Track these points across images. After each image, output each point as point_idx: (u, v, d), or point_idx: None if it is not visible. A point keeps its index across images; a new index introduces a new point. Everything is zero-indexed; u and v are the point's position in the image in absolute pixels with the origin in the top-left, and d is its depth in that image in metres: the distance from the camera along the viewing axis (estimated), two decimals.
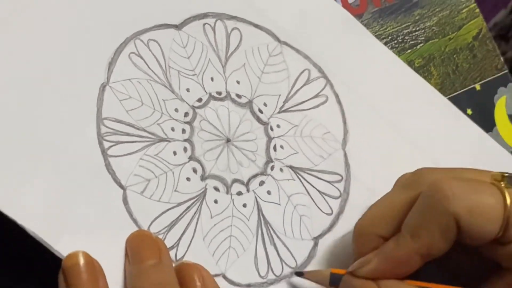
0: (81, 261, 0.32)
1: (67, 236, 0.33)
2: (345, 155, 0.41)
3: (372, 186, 0.41)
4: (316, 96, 0.42)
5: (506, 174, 0.32)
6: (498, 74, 0.51)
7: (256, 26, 0.41)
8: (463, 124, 0.46)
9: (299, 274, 0.37)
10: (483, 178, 0.33)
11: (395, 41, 0.46)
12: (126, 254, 0.34)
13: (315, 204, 0.39)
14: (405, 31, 0.48)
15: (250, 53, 0.41)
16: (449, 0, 0.50)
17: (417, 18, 0.48)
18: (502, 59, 0.51)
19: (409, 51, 0.47)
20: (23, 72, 0.34)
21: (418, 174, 0.35)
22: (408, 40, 0.48)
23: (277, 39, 0.42)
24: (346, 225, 0.40)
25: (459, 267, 0.35)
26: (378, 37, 0.46)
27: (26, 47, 0.34)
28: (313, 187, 0.40)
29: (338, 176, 0.41)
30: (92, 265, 0.32)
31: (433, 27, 0.49)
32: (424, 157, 0.44)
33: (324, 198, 0.40)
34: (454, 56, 0.49)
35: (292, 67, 0.41)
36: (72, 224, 0.33)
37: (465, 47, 0.50)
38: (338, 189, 0.40)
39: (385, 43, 0.46)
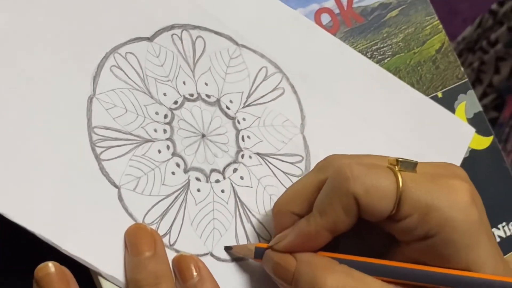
0: (52, 270, 0.33)
1: (72, 235, 0.35)
2: (304, 138, 0.44)
3: None
4: (274, 89, 0.45)
5: (401, 159, 0.35)
6: (459, 83, 0.53)
7: (217, 33, 0.44)
8: (409, 95, 0.49)
9: (228, 248, 0.39)
10: (381, 163, 0.35)
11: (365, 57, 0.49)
12: (126, 246, 0.36)
13: (281, 183, 0.43)
14: (374, 48, 0.50)
15: (214, 57, 0.43)
16: (414, 19, 0.52)
17: (385, 35, 0.51)
18: (462, 69, 0.53)
19: (377, 65, 0.49)
20: (19, 93, 0.36)
21: (328, 159, 0.37)
22: (377, 55, 0.50)
23: (235, 43, 0.44)
24: None
25: (369, 241, 0.38)
26: None
27: (18, 71, 0.36)
28: (278, 169, 0.43)
29: (299, 157, 0.44)
30: (63, 272, 0.34)
31: (399, 43, 0.51)
32: (375, 131, 0.47)
33: (288, 177, 0.43)
34: (419, 68, 0.52)
35: (251, 66, 0.44)
36: (76, 224, 0.35)
37: (429, 59, 0.52)
38: (300, 168, 0.44)
39: None
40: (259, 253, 0.37)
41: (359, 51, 0.49)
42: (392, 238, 0.35)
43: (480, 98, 0.85)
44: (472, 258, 0.33)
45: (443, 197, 0.33)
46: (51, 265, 0.34)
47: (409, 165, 0.35)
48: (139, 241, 0.36)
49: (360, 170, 0.34)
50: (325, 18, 0.49)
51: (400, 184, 0.33)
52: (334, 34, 0.49)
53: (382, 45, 0.50)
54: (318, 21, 0.48)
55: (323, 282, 0.33)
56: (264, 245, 0.38)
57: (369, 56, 0.50)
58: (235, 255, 0.39)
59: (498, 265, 0.34)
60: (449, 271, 0.33)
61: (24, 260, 0.36)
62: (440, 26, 0.52)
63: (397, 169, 0.34)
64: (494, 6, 0.88)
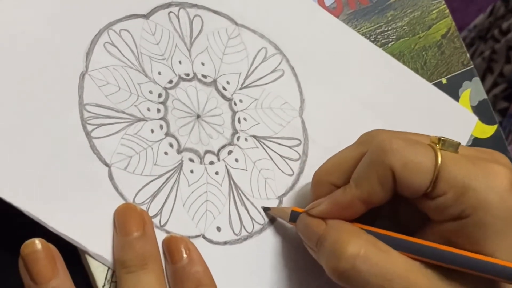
0: (38, 247, 0.32)
1: (60, 213, 0.33)
2: (303, 121, 0.43)
3: (327, 146, 0.42)
4: (274, 71, 0.43)
5: (443, 138, 0.34)
6: (464, 69, 0.51)
7: (215, 12, 0.42)
8: (411, 81, 0.47)
9: (266, 209, 0.39)
10: (422, 140, 0.34)
11: (368, 40, 0.47)
12: (114, 226, 0.34)
13: (278, 167, 0.41)
14: (378, 31, 0.47)
15: (212, 37, 0.41)
16: (420, 2, 0.50)
17: (389, 18, 0.48)
18: (468, 55, 0.51)
19: (381, 48, 0.47)
20: (9, 64, 0.34)
21: (370, 134, 0.36)
22: (380, 39, 0.48)
23: (234, 22, 0.42)
24: (306, 183, 0.41)
25: (402, 220, 0.37)
26: None
27: (10, 46, 0.35)
28: (275, 152, 0.41)
29: (297, 140, 0.42)
30: (49, 250, 0.32)
31: (404, 27, 0.49)
32: (374, 115, 0.45)
33: (285, 161, 0.41)
34: (423, 53, 0.49)
35: (250, 47, 0.42)
36: (64, 201, 0.34)
37: (434, 44, 0.50)
38: (298, 152, 0.42)
39: None
40: (294, 217, 0.37)
41: (362, 34, 0.47)
42: (424, 218, 0.35)
43: (491, 87, 0.83)
44: (500, 244, 0.32)
45: (481, 179, 0.32)
46: (37, 242, 0.32)
47: (451, 145, 0.34)
48: (127, 221, 0.34)
49: (400, 144, 0.33)
50: (329, 0, 0.47)
51: (439, 161, 0.32)
52: (338, 16, 0.47)
53: (386, 29, 0.48)
54: (321, 2, 0.46)
55: (344, 245, 0.33)
56: (300, 209, 0.37)
57: (373, 39, 0.47)
58: (271, 215, 0.39)
59: None
60: (474, 255, 0.32)
61: (12, 236, 0.34)
62: (447, 11, 0.50)
63: (438, 147, 0.33)
64: None
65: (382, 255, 0.33)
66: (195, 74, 0.40)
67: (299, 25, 0.44)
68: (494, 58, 0.84)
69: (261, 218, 0.39)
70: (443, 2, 0.50)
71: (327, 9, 0.47)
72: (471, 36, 0.89)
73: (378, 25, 0.48)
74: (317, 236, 0.35)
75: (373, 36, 0.48)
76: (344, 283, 0.33)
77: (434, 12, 0.50)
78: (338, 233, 0.34)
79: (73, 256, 0.34)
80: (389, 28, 0.48)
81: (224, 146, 0.39)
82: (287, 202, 0.40)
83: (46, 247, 0.32)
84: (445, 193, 0.32)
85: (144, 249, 0.34)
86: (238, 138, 0.40)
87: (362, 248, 0.33)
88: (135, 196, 0.36)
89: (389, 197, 0.34)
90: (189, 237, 0.36)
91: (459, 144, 0.34)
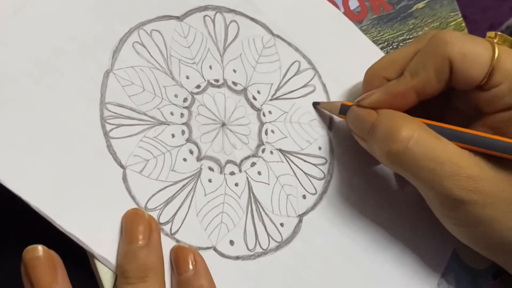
0: (40, 253, 0.29)
1: (69, 211, 0.30)
2: (330, 140, 0.39)
3: (354, 167, 0.39)
4: (305, 85, 0.39)
5: (499, 33, 0.33)
6: None
7: (252, 19, 0.38)
8: None
9: (316, 103, 0.38)
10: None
11: (390, 47, 0.43)
12: (121, 231, 0.32)
13: (301, 184, 0.37)
14: (400, 38, 0.45)
15: (246, 44, 0.38)
16: (439, 13, 0.47)
17: (411, 27, 0.45)
18: None
19: None
20: (34, 57, 0.32)
21: (427, 32, 0.35)
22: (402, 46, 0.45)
23: (271, 32, 0.39)
24: (329, 204, 0.37)
25: (450, 118, 0.36)
26: (375, 42, 0.43)
27: (36, 36, 0.32)
28: (300, 169, 0.37)
29: (323, 159, 0.38)
30: (50, 256, 0.30)
31: None
32: None
33: (309, 179, 0.38)
34: None
35: (284, 59, 0.39)
36: (74, 199, 0.31)
37: None
38: (323, 171, 0.38)
39: (381, 48, 0.43)
40: (344, 110, 0.36)
41: (385, 40, 0.44)
42: (473, 115, 0.34)
43: None
44: None
45: None
46: (40, 249, 0.30)
47: (507, 40, 0.34)
48: (134, 228, 0.31)
49: (459, 37, 0.33)
50: (353, 3, 0.43)
51: (496, 53, 0.32)
52: (361, 20, 0.43)
53: (408, 37, 0.45)
54: (346, 7, 0.43)
55: (398, 129, 0.32)
56: (350, 103, 0.36)
57: (395, 46, 0.44)
58: (320, 110, 0.38)
59: None
60: None
61: (20, 237, 0.32)
62: (463, 23, 0.47)
63: (495, 41, 0.33)
64: None
65: (434, 140, 0.32)
66: (225, 80, 0.37)
67: (335, 43, 0.41)
68: None
69: (278, 235, 0.36)
70: (460, 15, 0.47)
71: (351, 12, 0.43)
72: None
73: (400, 33, 0.45)
74: (370, 124, 0.34)
75: (395, 43, 0.44)
76: (396, 165, 0.32)
77: (451, 24, 0.47)
78: (392, 119, 0.33)
79: (83, 260, 0.31)
80: (411, 37, 0.45)
81: (247, 157, 0.36)
82: (307, 222, 0.37)
83: (47, 253, 0.30)
84: (500, 83, 0.32)
85: (146, 260, 0.30)
86: (263, 150, 0.37)
87: (415, 131, 0.32)
88: (147, 201, 0.33)
89: (442, 88, 0.33)
90: (199, 248, 0.33)
91: None
